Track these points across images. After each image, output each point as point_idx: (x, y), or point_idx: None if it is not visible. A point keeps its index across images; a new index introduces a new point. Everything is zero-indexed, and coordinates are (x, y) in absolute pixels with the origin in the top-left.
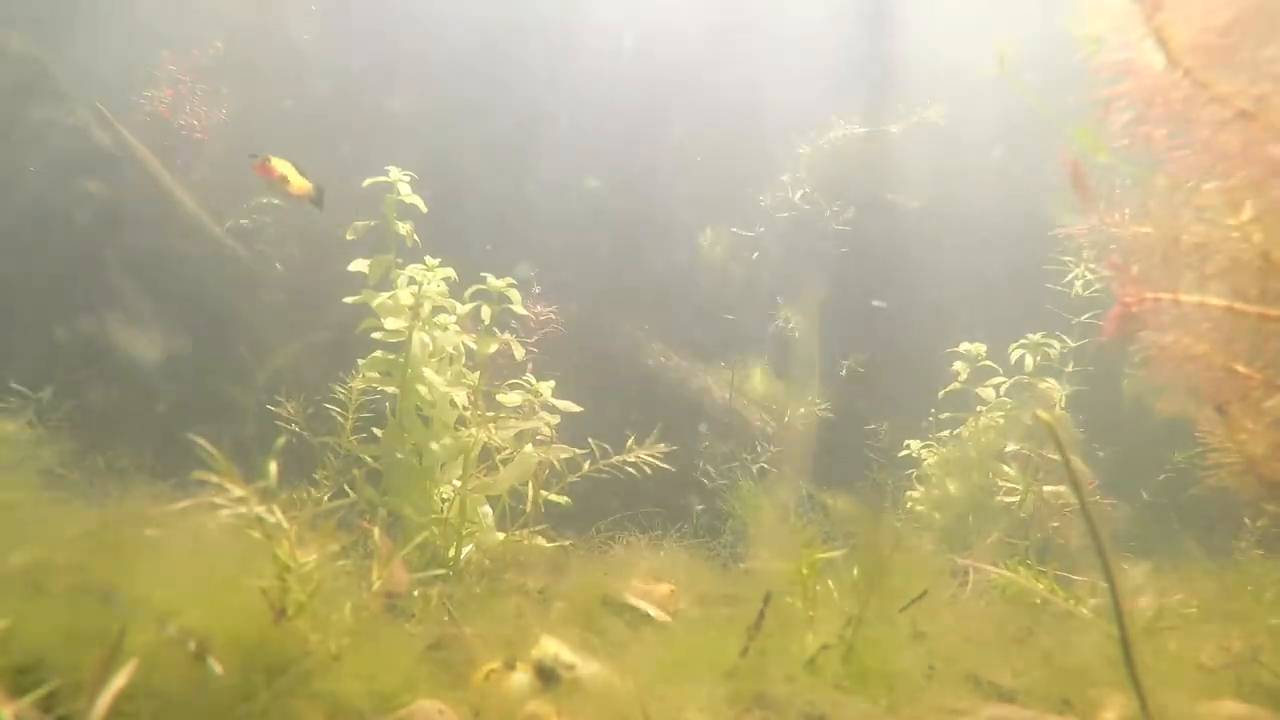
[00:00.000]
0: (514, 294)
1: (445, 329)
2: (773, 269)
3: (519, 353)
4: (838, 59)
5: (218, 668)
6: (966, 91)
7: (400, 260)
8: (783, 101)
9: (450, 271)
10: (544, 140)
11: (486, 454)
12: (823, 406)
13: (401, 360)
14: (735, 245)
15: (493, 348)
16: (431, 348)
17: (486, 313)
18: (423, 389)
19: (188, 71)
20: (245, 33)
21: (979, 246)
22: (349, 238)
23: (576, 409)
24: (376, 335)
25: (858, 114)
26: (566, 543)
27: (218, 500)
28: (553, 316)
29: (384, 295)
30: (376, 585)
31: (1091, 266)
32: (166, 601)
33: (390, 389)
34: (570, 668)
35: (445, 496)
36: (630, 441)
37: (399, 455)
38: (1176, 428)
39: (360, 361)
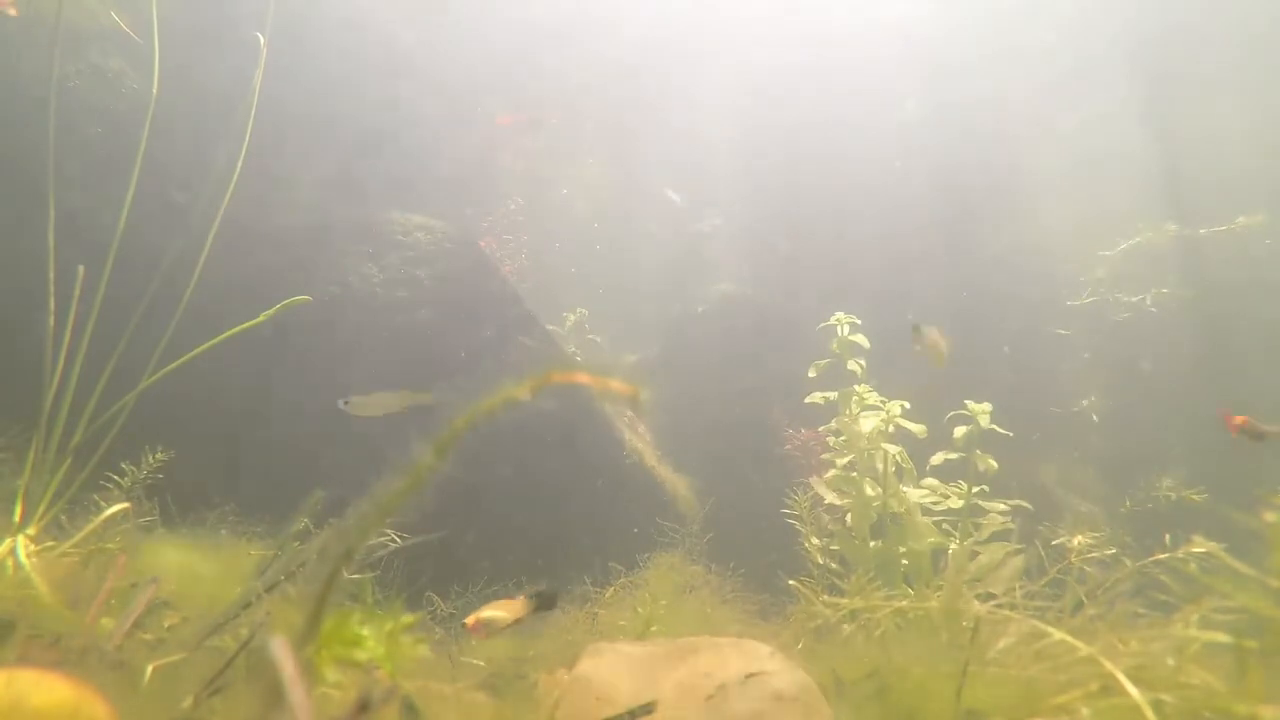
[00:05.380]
0: (984, 418)
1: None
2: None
3: (994, 466)
4: (1132, 167)
5: None
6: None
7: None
8: (1084, 208)
9: (903, 404)
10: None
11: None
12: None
13: (857, 476)
14: (1056, 345)
15: (988, 465)
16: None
17: (961, 431)
18: (894, 502)
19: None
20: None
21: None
22: (811, 375)
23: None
24: (840, 460)
25: (1167, 219)
26: None
27: None
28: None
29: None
30: None
31: None
32: None
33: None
34: None
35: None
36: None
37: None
38: None
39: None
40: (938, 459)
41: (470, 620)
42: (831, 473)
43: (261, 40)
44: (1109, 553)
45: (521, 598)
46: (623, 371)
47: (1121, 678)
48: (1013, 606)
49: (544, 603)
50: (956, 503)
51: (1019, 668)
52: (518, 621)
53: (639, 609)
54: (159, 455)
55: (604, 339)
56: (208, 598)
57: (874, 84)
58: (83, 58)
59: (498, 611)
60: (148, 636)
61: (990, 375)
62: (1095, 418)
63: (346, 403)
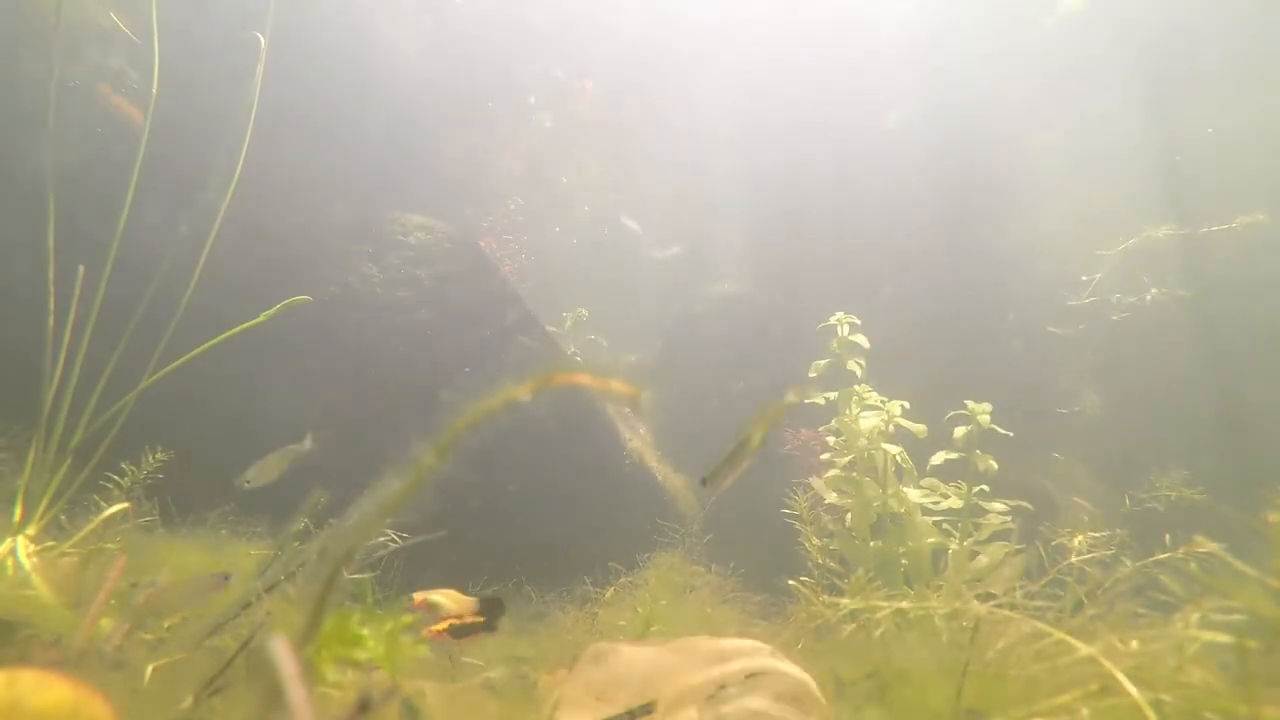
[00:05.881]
0: (984, 418)
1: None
2: (1097, 372)
3: (994, 466)
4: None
5: None
6: None
7: (859, 386)
8: (1085, 207)
9: (903, 404)
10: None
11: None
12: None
13: (857, 476)
14: (1053, 346)
15: (989, 465)
16: (900, 464)
17: (961, 431)
18: (894, 502)
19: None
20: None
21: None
22: (811, 375)
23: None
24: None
25: (1168, 218)
26: None
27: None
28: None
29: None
30: None
31: None
32: None
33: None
34: None
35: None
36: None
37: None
38: None
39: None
40: (938, 459)
41: (418, 598)
42: (831, 473)
43: (261, 40)
44: (1109, 553)
45: (473, 599)
46: (623, 372)
47: (1121, 678)
48: (1013, 606)
49: (489, 609)
50: (956, 503)
51: (1019, 668)
52: (459, 618)
53: (639, 609)
54: (159, 455)
55: (604, 339)
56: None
57: (874, 84)
58: (83, 58)
59: (445, 600)
60: (148, 636)
61: (990, 375)
62: (1096, 418)
63: (248, 481)
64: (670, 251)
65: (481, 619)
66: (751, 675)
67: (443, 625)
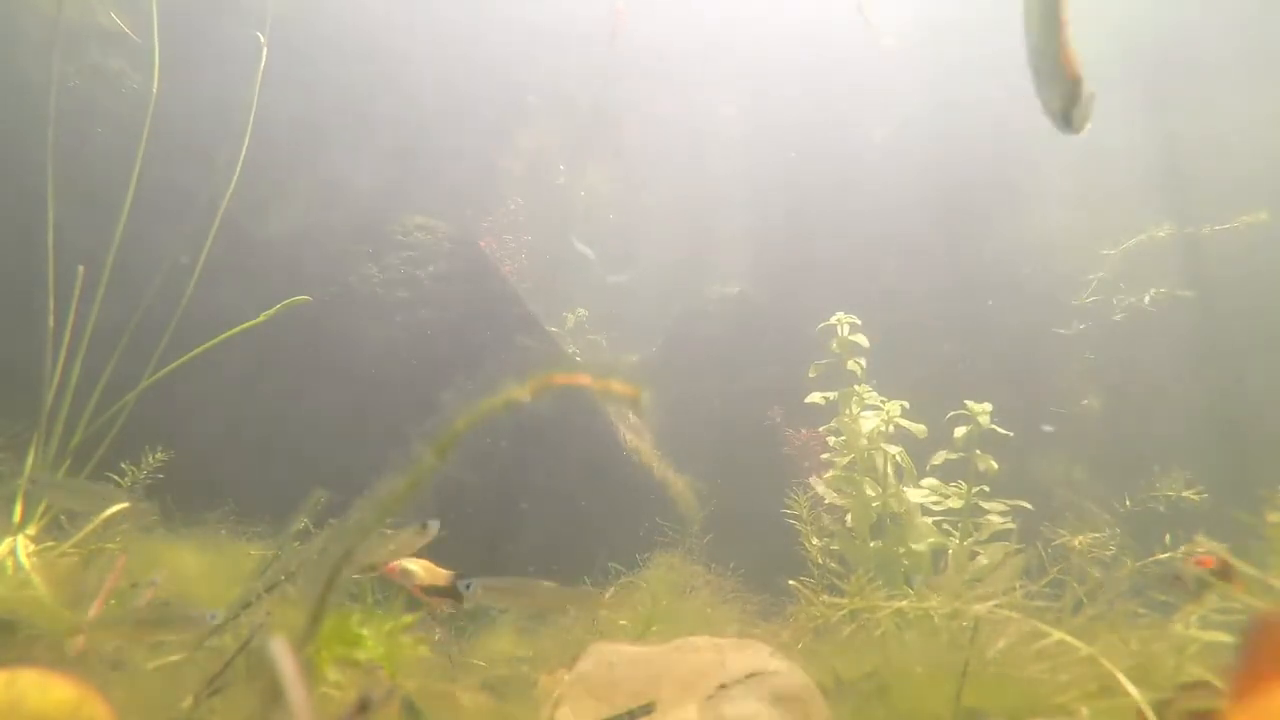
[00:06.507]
0: (984, 418)
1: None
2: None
3: (994, 466)
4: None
5: None
6: None
7: (859, 387)
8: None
9: (903, 404)
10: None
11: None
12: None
13: (857, 476)
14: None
15: (987, 465)
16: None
17: (961, 432)
18: (894, 502)
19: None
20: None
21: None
22: (811, 375)
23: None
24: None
25: (1170, 217)
26: None
27: None
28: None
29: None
30: None
31: None
32: None
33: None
34: None
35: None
36: None
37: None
38: None
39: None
40: (938, 459)
41: (393, 565)
42: (831, 473)
43: (261, 39)
44: (1109, 552)
45: (447, 571)
46: (623, 372)
47: (1121, 678)
48: (1012, 606)
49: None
50: (956, 503)
51: (1019, 668)
52: (433, 588)
53: (639, 609)
54: (159, 455)
55: (604, 339)
56: (208, 598)
57: (874, 83)
58: (83, 58)
59: (418, 568)
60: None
61: (990, 375)
62: (1096, 417)
63: None
64: (622, 277)
65: (455, 589)
66: (751, 675)
67: (419, 585)
